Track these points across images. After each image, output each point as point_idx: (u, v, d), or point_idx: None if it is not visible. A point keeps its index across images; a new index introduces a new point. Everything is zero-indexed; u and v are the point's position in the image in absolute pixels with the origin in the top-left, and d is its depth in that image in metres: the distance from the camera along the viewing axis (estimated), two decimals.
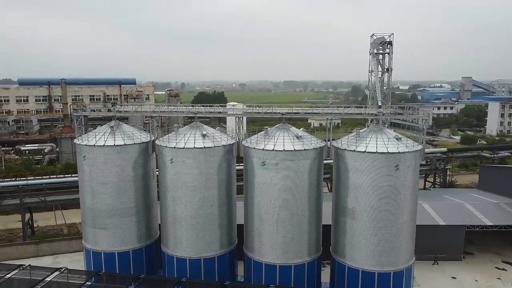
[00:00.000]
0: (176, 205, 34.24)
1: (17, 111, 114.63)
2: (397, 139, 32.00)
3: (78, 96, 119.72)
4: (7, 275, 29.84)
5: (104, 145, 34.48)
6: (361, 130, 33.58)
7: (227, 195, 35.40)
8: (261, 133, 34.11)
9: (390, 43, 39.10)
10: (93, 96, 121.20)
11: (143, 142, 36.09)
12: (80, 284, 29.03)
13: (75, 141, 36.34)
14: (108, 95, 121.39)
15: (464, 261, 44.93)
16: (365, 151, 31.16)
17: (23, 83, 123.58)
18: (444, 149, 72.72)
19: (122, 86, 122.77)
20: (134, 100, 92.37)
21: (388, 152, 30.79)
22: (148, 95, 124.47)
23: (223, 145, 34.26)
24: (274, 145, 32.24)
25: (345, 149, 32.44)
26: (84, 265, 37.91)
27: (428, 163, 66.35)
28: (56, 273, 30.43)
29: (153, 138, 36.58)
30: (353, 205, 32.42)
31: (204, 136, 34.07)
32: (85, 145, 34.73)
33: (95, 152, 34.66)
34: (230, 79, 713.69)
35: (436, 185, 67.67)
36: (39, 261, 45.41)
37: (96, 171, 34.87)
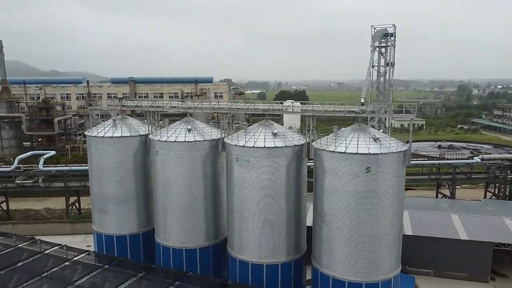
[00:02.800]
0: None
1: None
2: (375, 139, 29.43)
3: (159, 93, 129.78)
4: (46, 251, 34.85)
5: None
6: (342, 129, 31.54)
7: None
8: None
9: (392, 35, 35.82)
10: (172, 93, 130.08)
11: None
12: (100, 266, 32.08)
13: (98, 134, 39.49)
14: (186, 93, 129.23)
15: (491, 283, 39.20)
16: (334, 151, 29.29)
17: (115, 81, 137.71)
18: (508, 156, 63.28)
19: (198, 84, 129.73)
20: (198, 97, 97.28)
21: (358, 153, 28.52)
22: (222, 92, 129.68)
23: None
24: (246, 141, 31.98)
25: (317, 148, 30.85)
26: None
27: (487, 171, 58.68)
28: (83, 254, 34.38)
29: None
30: (328, 209, 30.67)
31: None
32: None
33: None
34: (329, 78, 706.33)
35: (499, 197, 59.50)
36: (73, 238, 51.24)
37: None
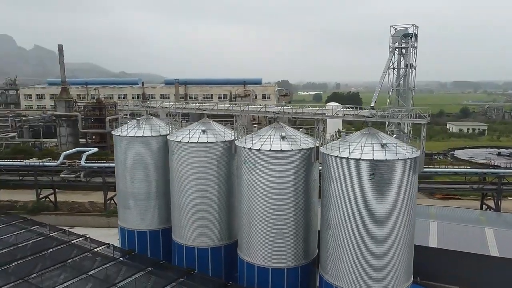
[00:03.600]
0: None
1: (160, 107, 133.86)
2: (382, 145, 28.12)
3: (209, 94, 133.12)
4: (72, 241, 37.57)
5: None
6: (351, 134, 30.50)
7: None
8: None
9: (414, 35, 33.84)
10: (222, 94, 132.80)
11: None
12: (115, 258, 33.86)
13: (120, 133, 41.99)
14: (235, 94, 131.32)
15: None
16: (337, 156, 28.39)
17: (168, 82, 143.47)
18: None
19: (246, 85, 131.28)
20: (241, 99, 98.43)
21: (362, 159, 27.41)
22: (269, 94, 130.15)
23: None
24: (253, 144, 31.97)
25: (323, 153, 30.05)
26: None
27: None
28: (103, 246, 36.61)
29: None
30: (333, 216, 29.78)
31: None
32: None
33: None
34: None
35: None
36: (108, 231, 54.16)
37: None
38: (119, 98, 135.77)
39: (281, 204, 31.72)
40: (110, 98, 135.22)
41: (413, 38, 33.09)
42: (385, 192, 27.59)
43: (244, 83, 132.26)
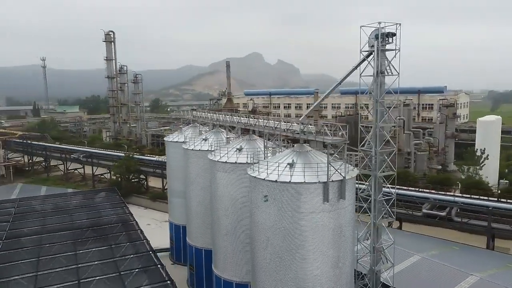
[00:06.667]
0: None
1: (331, 116, 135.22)
2: (290, 165, 24.79)
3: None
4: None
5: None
6: (283, 151, 27.66)
7: None
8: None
9: (393, 34, 26.91)
10: None
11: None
12: None
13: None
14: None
15: None
16: (250, 174, 26.46)
17: (343, 92, 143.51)
18: None
19: (421, 95, 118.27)
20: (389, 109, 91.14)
21: (257, 177, 24.98)
22: (464, 103, 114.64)
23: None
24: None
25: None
26: None
27: None
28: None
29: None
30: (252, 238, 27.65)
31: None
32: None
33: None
34: None
35: None
36: None
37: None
38: (295, 107, 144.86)
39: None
40: (288, 107, 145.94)
41: (390, 39, 27.14)
42: (297, 218, 24.11)
43: (418, 92, 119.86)
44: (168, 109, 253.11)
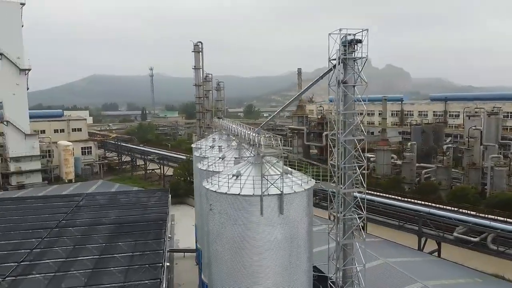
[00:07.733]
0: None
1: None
2: (236, 176, 24.71)
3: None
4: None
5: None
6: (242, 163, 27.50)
7: None
8: None
9: (358, 41, 24.69)
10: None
11: None
12: None
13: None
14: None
15: None
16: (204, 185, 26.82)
17: (433, 99, 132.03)
18: None
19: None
20: (469, 118, 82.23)
21: (207, 188, 25.29)
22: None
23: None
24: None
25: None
26: None
27: None
28: None
29: None
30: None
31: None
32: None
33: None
34: None
35: None
36: None
37: None
38: (379, 114, 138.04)
39: None
40: (372, 114, 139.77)
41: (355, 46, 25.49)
42: (238, 228, 23.97)
43: None
44: (265, 115, 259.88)
